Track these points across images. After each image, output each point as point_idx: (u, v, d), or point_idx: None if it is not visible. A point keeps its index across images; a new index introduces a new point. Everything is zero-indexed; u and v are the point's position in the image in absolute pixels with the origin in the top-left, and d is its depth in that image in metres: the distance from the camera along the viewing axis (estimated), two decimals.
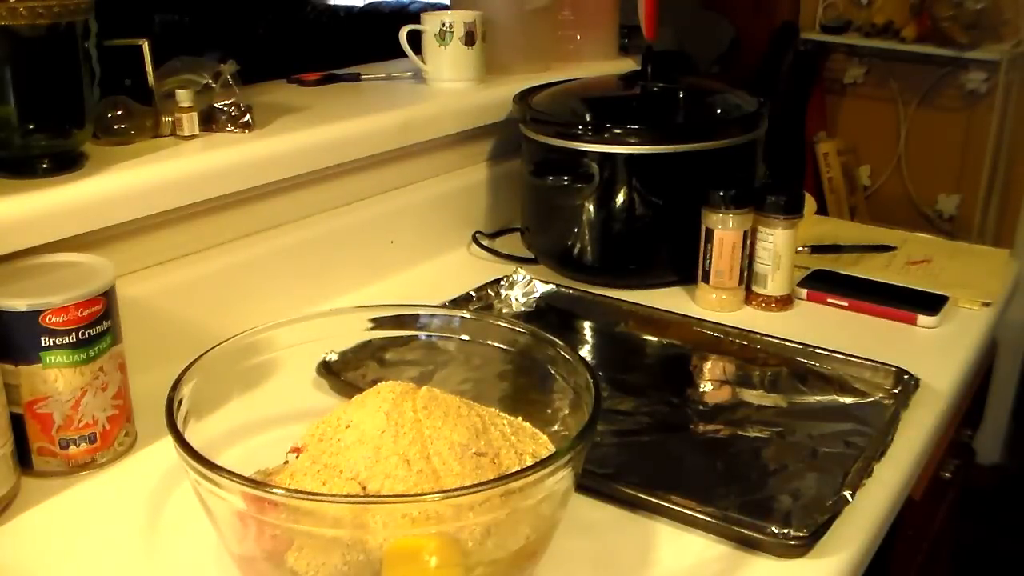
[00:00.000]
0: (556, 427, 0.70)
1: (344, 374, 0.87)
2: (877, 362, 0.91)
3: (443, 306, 1.03)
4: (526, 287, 1.10)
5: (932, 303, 1.06)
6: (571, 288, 1.10)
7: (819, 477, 0.76)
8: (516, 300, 1.09)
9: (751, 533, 0.68)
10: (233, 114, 0.99)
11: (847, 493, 0.72)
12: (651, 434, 0.83)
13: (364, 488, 0.59)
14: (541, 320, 1.05)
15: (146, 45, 0.96)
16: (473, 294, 1.07)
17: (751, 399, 0.89)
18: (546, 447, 0.67)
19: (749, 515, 0.70)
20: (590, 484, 0.73)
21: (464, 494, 0.54)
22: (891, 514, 0.76)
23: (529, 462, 0.63)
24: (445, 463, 0.60)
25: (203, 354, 0.67)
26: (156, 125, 0.96)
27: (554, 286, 1.10)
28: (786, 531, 0.69)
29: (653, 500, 0.72)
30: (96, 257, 0.78)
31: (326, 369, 0.86)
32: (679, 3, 2.33)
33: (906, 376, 0.89)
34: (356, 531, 0.55)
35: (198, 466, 0.55)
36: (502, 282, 1.10)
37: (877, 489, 0.75)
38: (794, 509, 0.72)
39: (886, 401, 0.88)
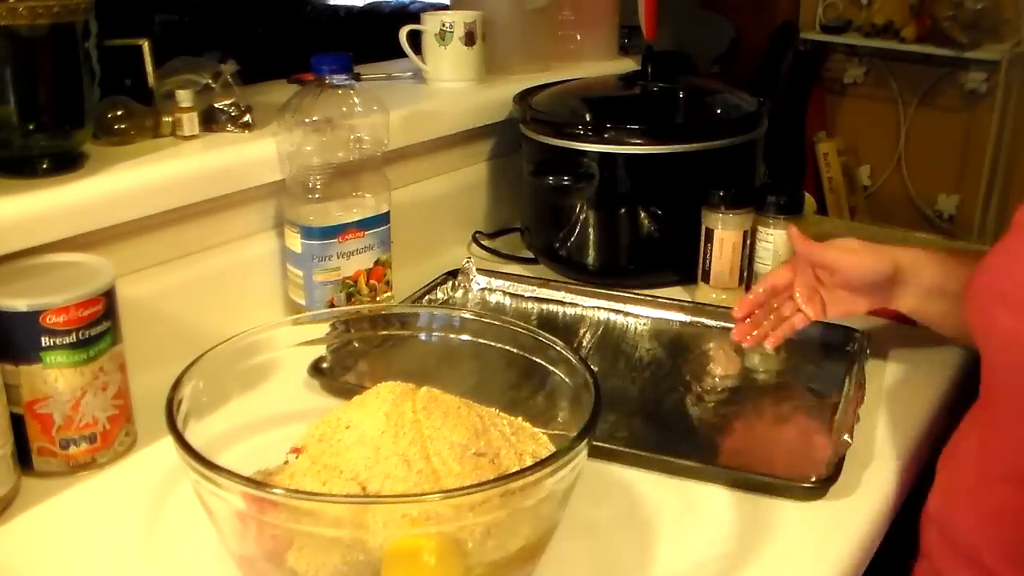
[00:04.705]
0: (556, 427, 0.70)
1: (343, 375, 0.87)
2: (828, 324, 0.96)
3: (443, 305, 1.03)
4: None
5: None
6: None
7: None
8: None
9: (773, 481, 0.74)
10: (233, 114, 0.99)
11: (846, 437, 0.77)
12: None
13: (364, 488, 0.59)
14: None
15: (146, 45, 0.96)
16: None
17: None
18: (546, 447, 0.67)
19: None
20: (613, 448, 0.76)
21: (464, 494, 0.54)
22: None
23: (529, 462, 0.63)
24: (445, 463, 0.60)
25: (203, 354, 0.67)
26: (156, 125, 0.96)
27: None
28: (806, 476, 0.74)
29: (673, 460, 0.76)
30: (96, 257, 0.78)
31: (323, 370, 0.86)
32: (679, 3, 2.33)
33: (856, 334, 0.96)
34: (356, 531, 0.55)
35: (198, 466, 0.55)
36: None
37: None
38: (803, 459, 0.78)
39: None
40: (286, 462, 0.65)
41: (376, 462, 0.60)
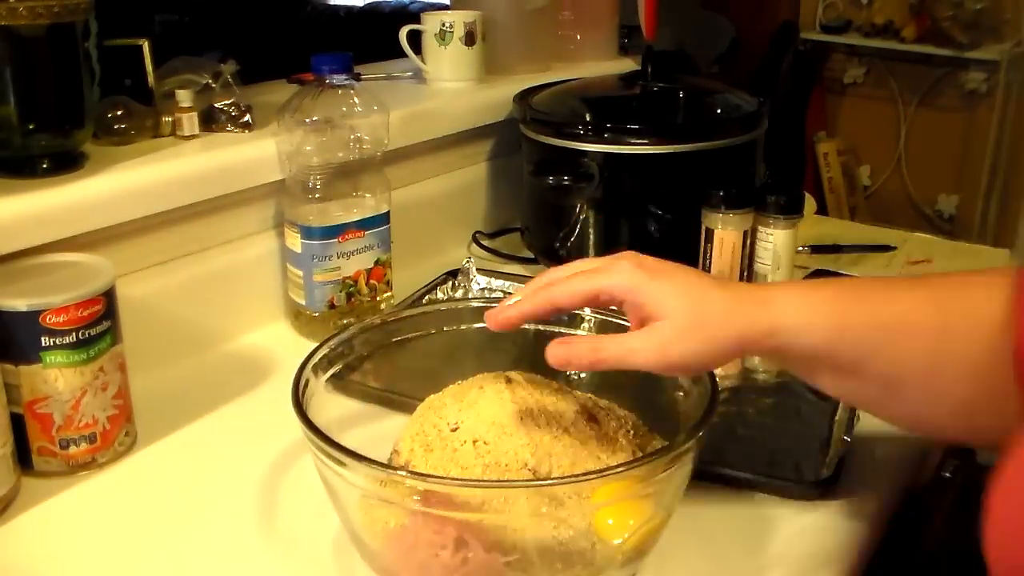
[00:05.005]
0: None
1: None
2: None
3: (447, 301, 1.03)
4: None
5: None
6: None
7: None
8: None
9: (773, 481, 0.74)
10: (233, 114, 0.99)
11: (845, 437, 0.78)
12: None
13: (535, 473, 0.60)
14: None
15: (146, 45, 0.96)
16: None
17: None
18: (617, 416, 0.68)
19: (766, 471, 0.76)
20: None
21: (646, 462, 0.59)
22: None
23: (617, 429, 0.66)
24: (581, 431, 0.62)
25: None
26: (156, 125, 0.96)
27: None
28: (806, 476, 0.75)
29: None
30: (96, 257, 0.78)
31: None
32: (679, 3, 2.33)
33: None
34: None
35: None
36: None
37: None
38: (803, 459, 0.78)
39: None
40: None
41: (538, 445, 0.60)
